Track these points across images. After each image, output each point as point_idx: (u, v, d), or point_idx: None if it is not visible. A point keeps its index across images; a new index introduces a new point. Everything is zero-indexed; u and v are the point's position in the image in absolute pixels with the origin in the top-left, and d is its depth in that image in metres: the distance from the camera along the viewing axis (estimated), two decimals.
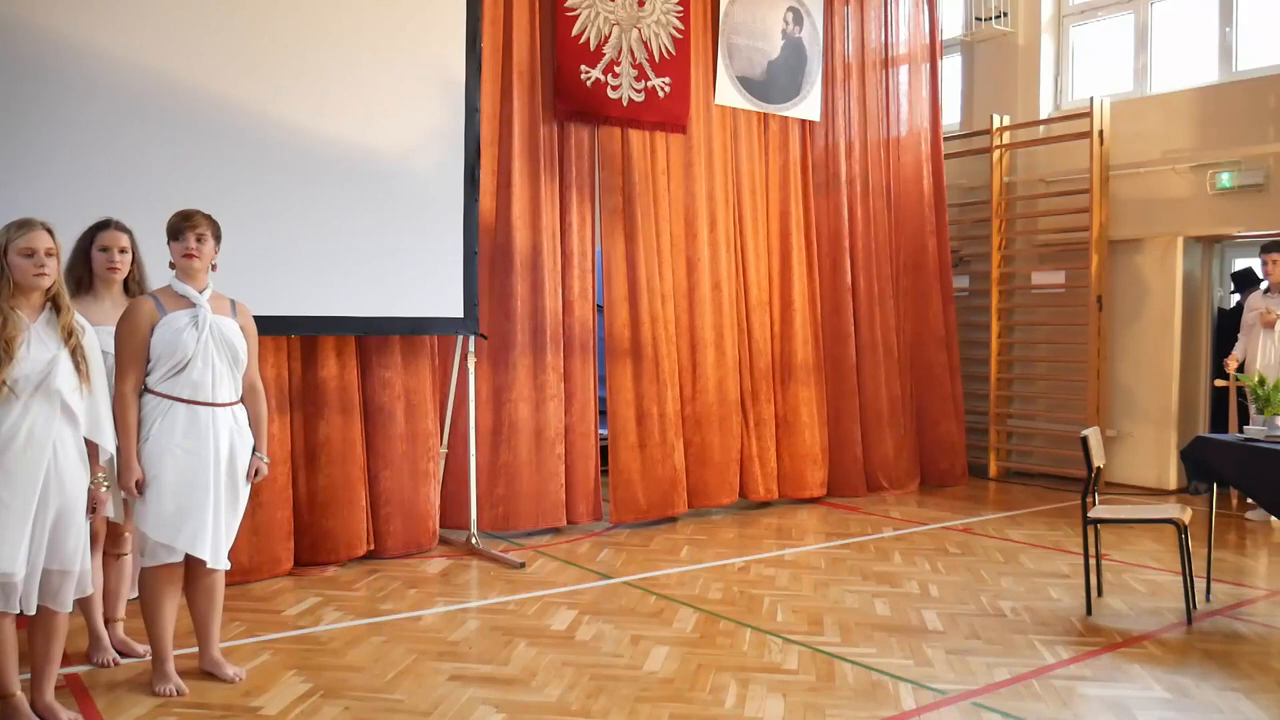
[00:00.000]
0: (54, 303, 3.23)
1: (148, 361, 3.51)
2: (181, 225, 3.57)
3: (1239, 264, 8.01)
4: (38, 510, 3.11)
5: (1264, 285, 6.83)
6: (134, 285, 3.84)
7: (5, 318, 3.11)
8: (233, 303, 3.72)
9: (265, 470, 3.79)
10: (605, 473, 6.57)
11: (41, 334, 3.18)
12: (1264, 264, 6.72)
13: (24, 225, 3.18)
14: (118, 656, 3.86)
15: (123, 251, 3.78)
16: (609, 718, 3.44)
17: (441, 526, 5.92)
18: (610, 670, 3.89)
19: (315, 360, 5.39)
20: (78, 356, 3.21)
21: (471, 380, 5.89)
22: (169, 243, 3.59)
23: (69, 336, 3.21)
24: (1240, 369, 6.71)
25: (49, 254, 3.18)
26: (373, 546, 5.58)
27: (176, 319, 3.51)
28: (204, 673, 3.72)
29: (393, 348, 5.65)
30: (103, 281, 3.78)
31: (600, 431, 6.56)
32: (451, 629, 4.39)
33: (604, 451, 6.58)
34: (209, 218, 3.62)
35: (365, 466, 5.57)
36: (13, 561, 3.05)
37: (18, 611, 3.16)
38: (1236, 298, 7.96)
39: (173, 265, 3.60)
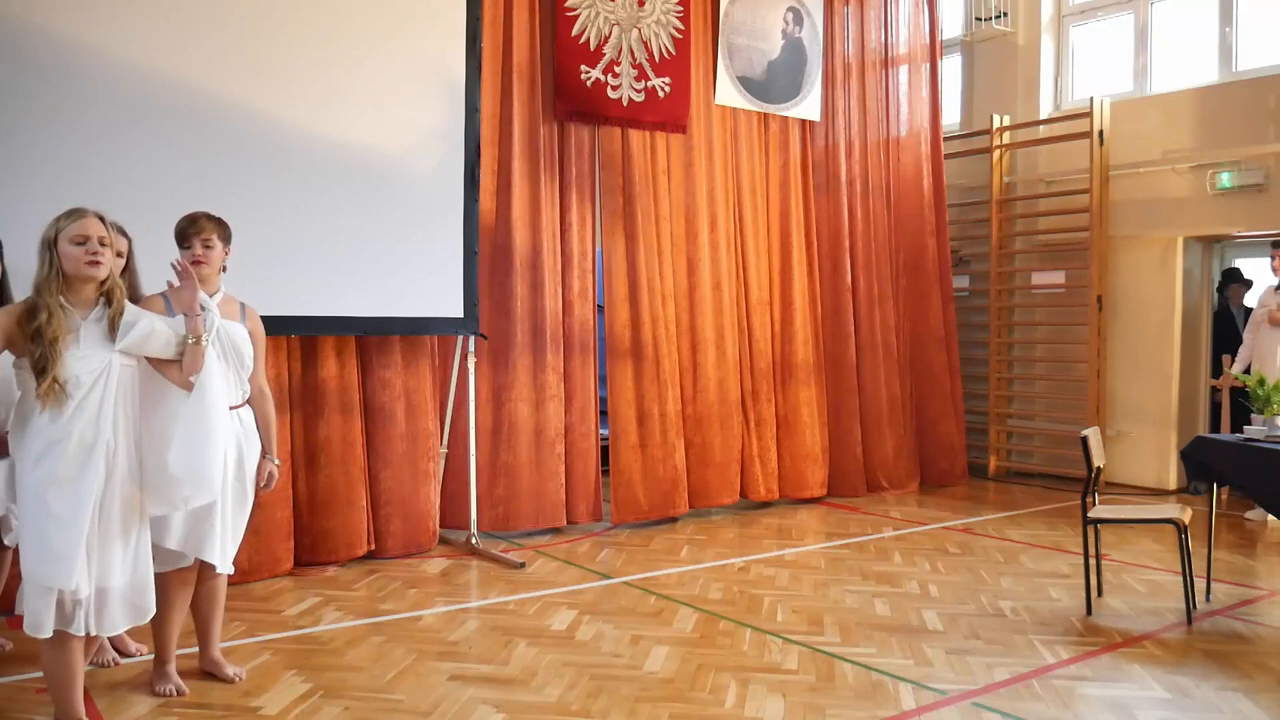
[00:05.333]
0: (107, 298, 3.10)
1: None
2: (188, 231, 3.53)
3: (1240, 265, 8.01)
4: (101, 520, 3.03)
5: (1276, 282, 6.66)
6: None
7: (50, 313, 2.94)
8: (242, 306, 3.70)
9: (277, 475, 3.79)
10: (606, 473, 6.58)
11: (93, 331, 3.05)
12: (1272, 259, 6.52)
13: (74, 213, 3.06)
14: (118, 656, 3.86)
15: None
16: (609, 718, 3.44)
17: (441, 526, 5.92)
18: (610, 670, 3.89)
19: (315, 360, 5.39)
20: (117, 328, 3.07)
21: (471, 380, 5.89)
22: (179, 248, 3.56)
23: (116, 322, 3.07)
24: (1247, 371, 6.55)
25: (102, 242, 3.04)
26: (373, 546, 5.58)
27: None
28: (204, 673, 3.72)
29: (393, 348, 5.65)
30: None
31: (601, 431, 6.57)
32: (451, 629, 4.39)
33: (604, 451, 6.58)
34: (216, 220, 3.59)
35: (365, 466, 5.57)
36: (70, 576, 2.96)
37: (83, 633, 3.08)
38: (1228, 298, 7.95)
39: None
